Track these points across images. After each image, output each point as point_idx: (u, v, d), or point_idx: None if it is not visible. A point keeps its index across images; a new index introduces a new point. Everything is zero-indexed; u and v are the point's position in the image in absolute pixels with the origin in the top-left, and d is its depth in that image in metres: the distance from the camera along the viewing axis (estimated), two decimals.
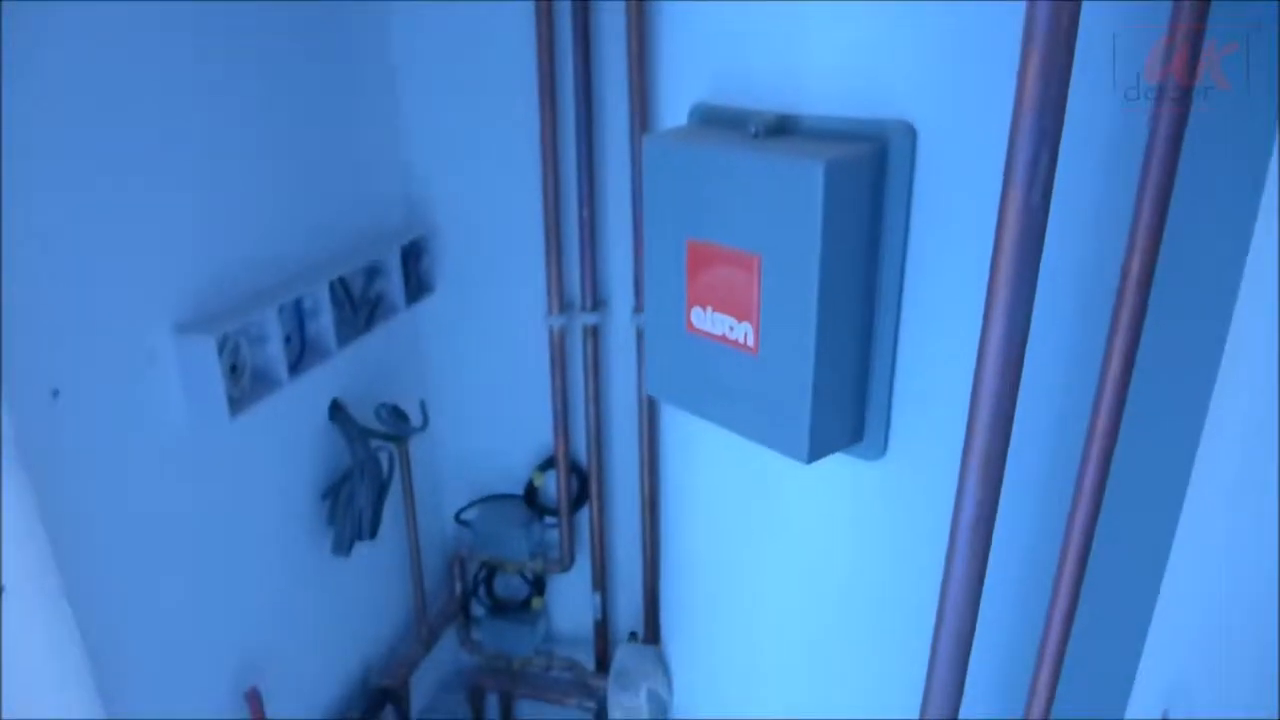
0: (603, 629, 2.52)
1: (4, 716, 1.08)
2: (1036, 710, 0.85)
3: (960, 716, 0.89)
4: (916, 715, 0.91)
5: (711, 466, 1.15)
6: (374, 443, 2.00)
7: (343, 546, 1.96)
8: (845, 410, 0.91)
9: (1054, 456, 0.91)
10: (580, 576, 2.49)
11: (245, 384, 1.60)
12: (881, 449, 0.94)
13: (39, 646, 1.12)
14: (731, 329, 0.89)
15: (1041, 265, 0.71)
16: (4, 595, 1.09)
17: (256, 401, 1.60)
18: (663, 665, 1.49)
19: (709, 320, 0.91)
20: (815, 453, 0.87)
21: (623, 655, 1.54)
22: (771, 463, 1.02)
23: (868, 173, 0.84)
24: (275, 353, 1.65)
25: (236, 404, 1.55)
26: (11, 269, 1.17)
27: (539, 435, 2.35)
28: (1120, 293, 0.74)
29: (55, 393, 1.26)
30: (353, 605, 2.13)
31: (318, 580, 1.96)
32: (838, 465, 0.95)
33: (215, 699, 1.66)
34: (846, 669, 1.09)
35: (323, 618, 2.00)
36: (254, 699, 1.71)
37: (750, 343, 0.88)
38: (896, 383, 0.92)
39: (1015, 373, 0.76)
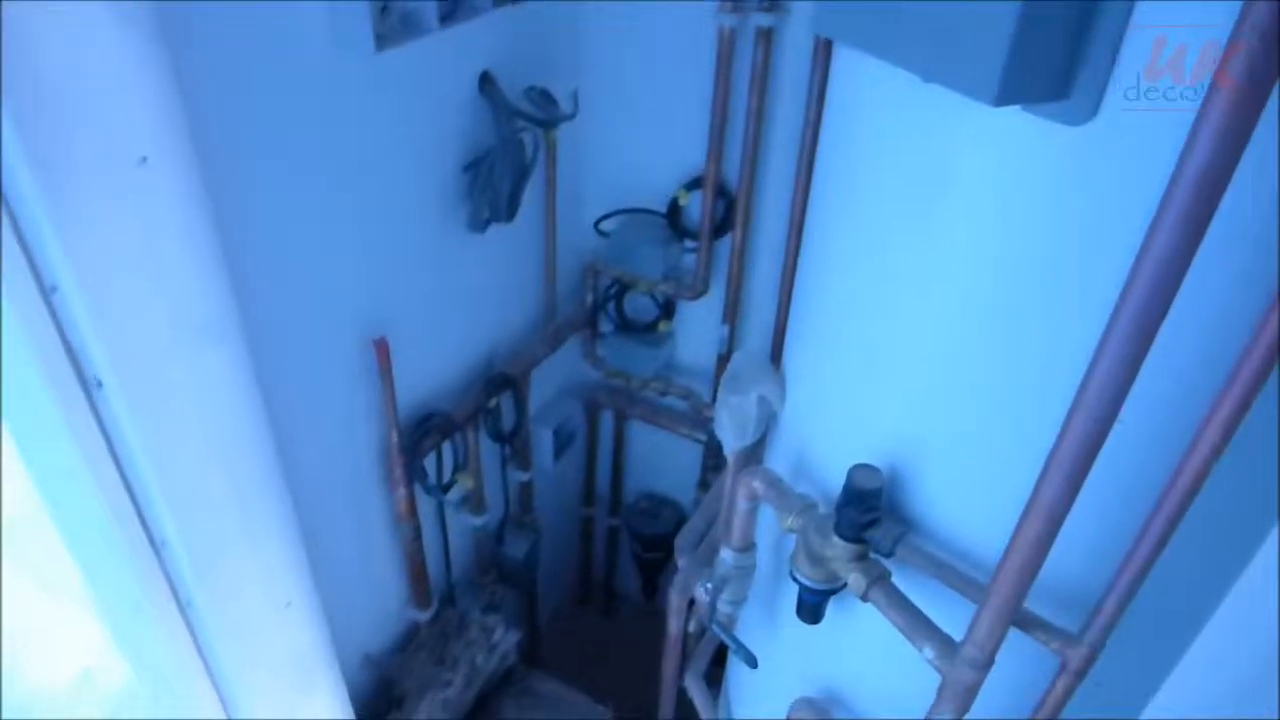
0: (725, 363, 2.49)
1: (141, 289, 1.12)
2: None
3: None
4: (1055, 433, 0.80)
5: (873, 140, 1.00)
6: (519, 124, 1.93)
7: (478, 223, 1.95)
8: (1053, 50, 0.74)
9: None
10: (712, 306, 2.43)
11: (394, 23, 1.53)
12: (1091, 111, 0.77)
13: (176, 224, 1.14)
14: None
15: None
16: (146, 165, 1.10)
17: (403, 43, 1.53)
18: (779, 377, 1.43)
19: None
20: (1006, 92, 0.72)
21: (738, 360, 1.49)
22: (946, 126, 0.88)
23: None
24: None
25: (382, 40, 1.48)
26: None
27: (691, 150, 2.21)
28: None
29: None
30: (484, 285, 2.14)
31: (452, 251, 1.97)
32: (1028, 127, 0.80)
33: (342, 340, 1.72)
34: (987, 381, 0.98)
35: (453, 290, 2.02)
36: (382, 348, 1.77)
37: None
38: (1131, 30, 0.74)
39: None
